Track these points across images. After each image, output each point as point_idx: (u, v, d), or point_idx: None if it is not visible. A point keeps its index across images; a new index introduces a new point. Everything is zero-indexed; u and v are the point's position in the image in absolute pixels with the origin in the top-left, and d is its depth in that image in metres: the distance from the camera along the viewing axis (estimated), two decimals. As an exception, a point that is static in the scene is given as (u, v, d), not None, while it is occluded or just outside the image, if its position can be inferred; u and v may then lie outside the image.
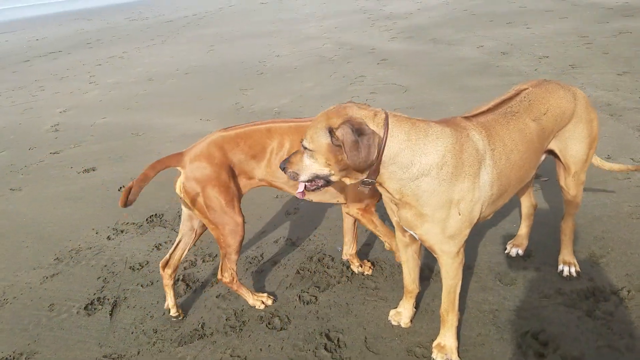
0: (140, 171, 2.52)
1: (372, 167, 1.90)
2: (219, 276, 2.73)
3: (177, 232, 3.65)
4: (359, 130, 1.80)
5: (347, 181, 1.99)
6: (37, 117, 7.77)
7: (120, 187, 4.75)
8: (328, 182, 1.99)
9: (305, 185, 2.03)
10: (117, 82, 9.58)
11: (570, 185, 2.55)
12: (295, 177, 1.99)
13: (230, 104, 7.15)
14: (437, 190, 1.93)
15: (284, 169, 2.02)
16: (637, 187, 3.55)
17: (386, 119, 1.89)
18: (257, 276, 3.13)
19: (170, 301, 2.82)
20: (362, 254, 3.20)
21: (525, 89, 2.30)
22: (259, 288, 3.00)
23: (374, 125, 1.86)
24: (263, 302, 2.83)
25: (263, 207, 3.98)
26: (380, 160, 1.88)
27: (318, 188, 2.02)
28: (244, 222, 2.62)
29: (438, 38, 9.56)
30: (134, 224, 4.01)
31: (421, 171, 1.90)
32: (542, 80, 2.39)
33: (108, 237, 3.85)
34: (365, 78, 7.60)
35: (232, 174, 2.59)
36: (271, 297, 2.86)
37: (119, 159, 5.60)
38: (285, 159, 2.03)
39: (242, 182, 2.65)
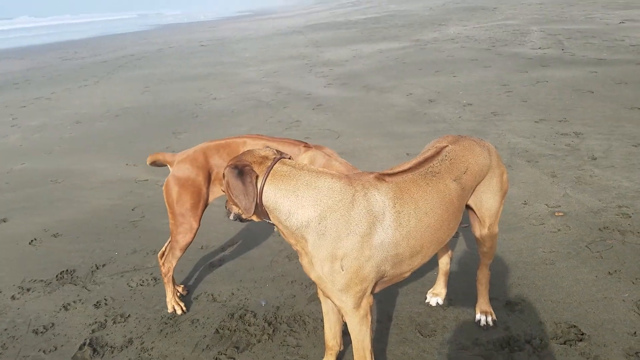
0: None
1: (259, 210, 1.96)
2: (160, 261, 3.08)
3: (89, 290, 3.53)
4: (241, 173, 1.90)
5: (255, 219, 2.08)
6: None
7: (32, 240, 4.39)
8: (241, 220, 2.14)
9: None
10: (42, 125, 9.04)
11: (485, 237, 2.62)
12: (228, 214, 2.18)
13: (161, 147, 6.92)
14: (318, 242, 1.94)
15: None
16: (551, 233, 3.73)
17: (270, 166, 1.94)
18: (172, 337, 2.92)
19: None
20: (287, 306, 3.10)
21: (445, 147, 2.32)
22: (173, 351, 2.80)
23: (259, 171, 1.94)
24: (175, 309, 3.10)
25: (185, 259, 3.80)
26: (263, 205, 1.95)
27: (243, 221, 2.19)
28: (198, 228, 2.95)
29: (370, 85, 9.90)
30: (42, 281, 3.68)
31: (301, 222, 1.93)
32: (458, 137, 2.45)
33: (12, 296, 3.51)
34: (301, 123, 7.67)
35: (209, 179, 2.92)
36: (184, 310, 3.12)
37: (33, 208, 5.19)
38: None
39: (215, 188, 2.95)
